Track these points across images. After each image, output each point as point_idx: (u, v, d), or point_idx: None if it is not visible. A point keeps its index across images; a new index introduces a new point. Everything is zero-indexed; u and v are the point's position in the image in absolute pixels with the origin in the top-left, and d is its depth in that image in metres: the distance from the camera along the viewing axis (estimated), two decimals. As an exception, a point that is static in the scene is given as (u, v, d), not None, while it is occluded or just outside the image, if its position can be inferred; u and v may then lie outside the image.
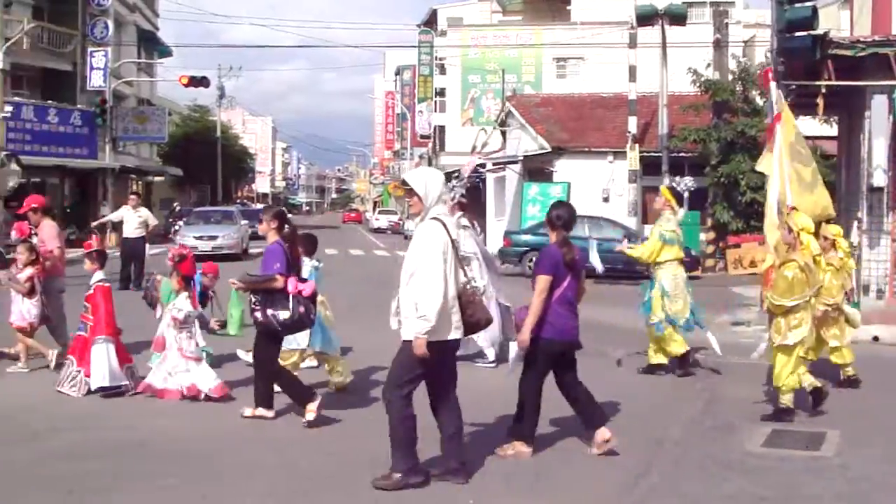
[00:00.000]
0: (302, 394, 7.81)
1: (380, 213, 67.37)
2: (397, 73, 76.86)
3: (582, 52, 46.44)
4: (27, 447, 7.09)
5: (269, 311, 7.64)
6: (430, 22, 62.67)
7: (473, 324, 6.41)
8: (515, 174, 33.74)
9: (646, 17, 27.99)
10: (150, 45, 47.68)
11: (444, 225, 6.18)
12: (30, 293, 9.95)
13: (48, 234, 10.35)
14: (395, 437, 6.20)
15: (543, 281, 6.88)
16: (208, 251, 26.51)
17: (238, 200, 68.12)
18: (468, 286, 6.42)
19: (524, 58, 48.59)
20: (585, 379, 7.27)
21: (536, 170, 32.42)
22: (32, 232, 10.40)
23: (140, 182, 45.23)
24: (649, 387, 9.95)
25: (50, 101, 34.44)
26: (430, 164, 59.65)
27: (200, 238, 28.41)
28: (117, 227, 22.58)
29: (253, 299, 7.81)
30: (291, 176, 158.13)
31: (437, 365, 6.19)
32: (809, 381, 8.42)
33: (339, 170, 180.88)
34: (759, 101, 26.49)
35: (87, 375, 8.68)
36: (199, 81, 37.84)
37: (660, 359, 10.55)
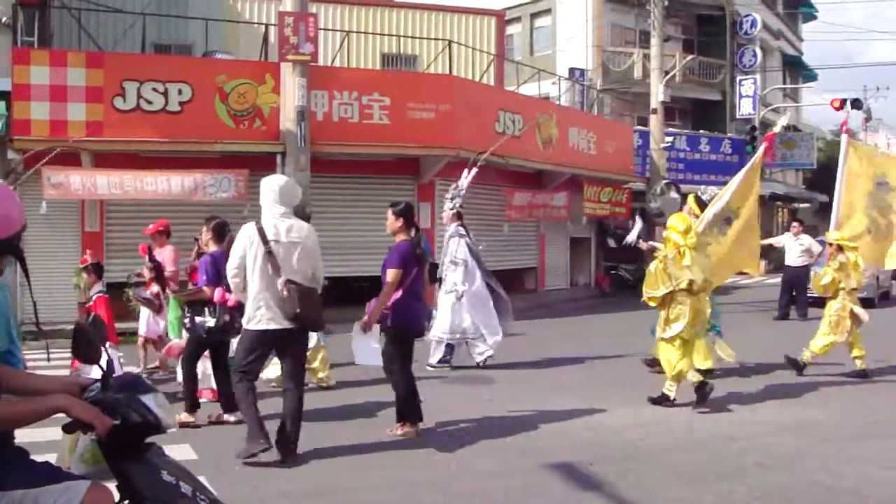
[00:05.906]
0: (192, 403, 8.35)
1: None
2: None
3: None
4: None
5: (198, 319, 8.19)
6: None
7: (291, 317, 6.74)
8: None
9: None
10: (795, 70, 46.80)
11: (259, 228, 6.77)
12: (158, 309, 10.88)
13: (168, 256, 11.14)
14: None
15: (393, 274, 7.44)
16: None
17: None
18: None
19: None
20: None
21: None
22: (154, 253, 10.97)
23: (785, 209, 44.44)
24: None
25: (701, 131, 35.36)
26: None
27: None
28: (767, 254, 21.93)
29: (185, 309, 8.56)
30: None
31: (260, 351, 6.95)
32: (694, 376, 8.81)
33: None
34: None
35: None
36: (851, 104, 35.99)
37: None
